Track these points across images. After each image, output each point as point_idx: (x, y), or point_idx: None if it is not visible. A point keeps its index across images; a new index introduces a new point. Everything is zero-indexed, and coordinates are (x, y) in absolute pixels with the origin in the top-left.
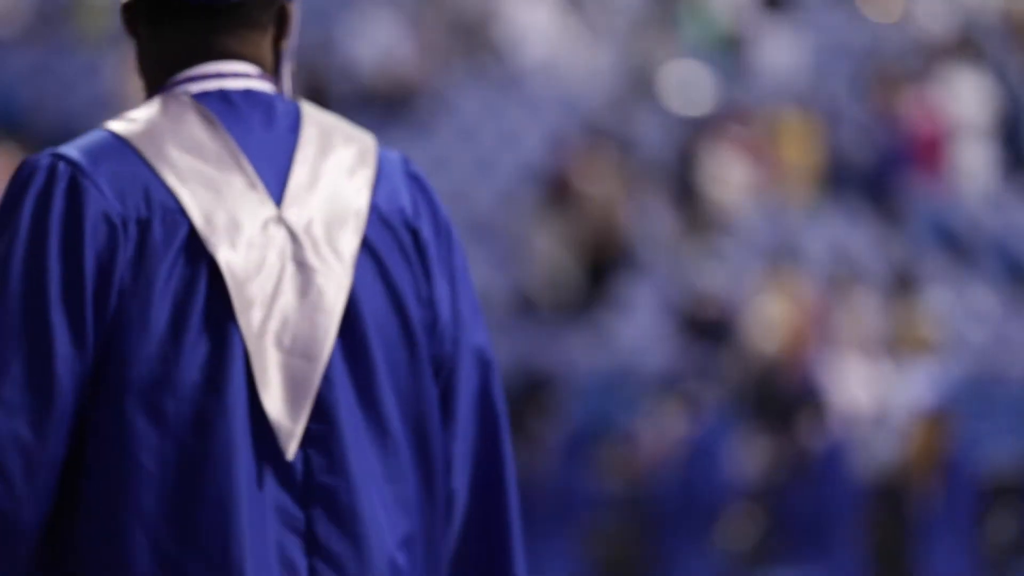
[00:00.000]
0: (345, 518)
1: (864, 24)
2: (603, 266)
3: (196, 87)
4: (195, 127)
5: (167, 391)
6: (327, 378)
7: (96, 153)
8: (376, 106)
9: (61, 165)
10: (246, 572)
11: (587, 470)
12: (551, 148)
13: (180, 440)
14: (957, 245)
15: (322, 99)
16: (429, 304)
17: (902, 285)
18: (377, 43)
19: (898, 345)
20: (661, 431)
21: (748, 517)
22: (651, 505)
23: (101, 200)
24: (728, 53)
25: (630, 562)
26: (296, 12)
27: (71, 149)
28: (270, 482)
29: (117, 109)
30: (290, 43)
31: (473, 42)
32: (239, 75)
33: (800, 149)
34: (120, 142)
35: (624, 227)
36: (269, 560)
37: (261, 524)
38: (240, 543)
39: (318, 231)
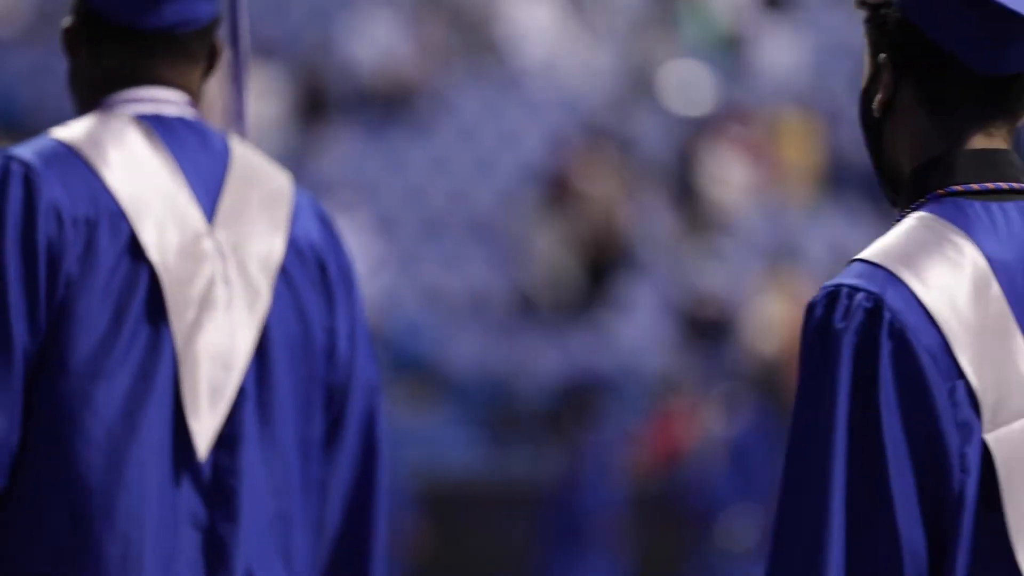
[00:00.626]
0: (240, 521)
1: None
2: (603, 266)
3: (133, 108)
4: (137, 142)
5: (101, 380)
6: (241, 389)
7: (46, 157)
8: (376, 106)
9: (14, 164)
10: (149, 560)
11: (600, 473)
12: (551, 148)
13: (108, 426)
14: None
15: (322, 99)
16: (330, 333)
17: None
18: (377, 43)
19: None
20: (690, 431)
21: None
22: (672, 506)
23: (52, 197)
24: (728, 53)
25: (654, 565)
26: (224, 49)
27: (23, 151)
28: (183, 479)
29: None
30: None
31: (473, 42)
32: (171, 102)
33: (800, 149)
34: (67, 149)
35: (624, 227)
36: (175, 551)
37: (171, 518)
38: (152, 531)
39: (242, 253)
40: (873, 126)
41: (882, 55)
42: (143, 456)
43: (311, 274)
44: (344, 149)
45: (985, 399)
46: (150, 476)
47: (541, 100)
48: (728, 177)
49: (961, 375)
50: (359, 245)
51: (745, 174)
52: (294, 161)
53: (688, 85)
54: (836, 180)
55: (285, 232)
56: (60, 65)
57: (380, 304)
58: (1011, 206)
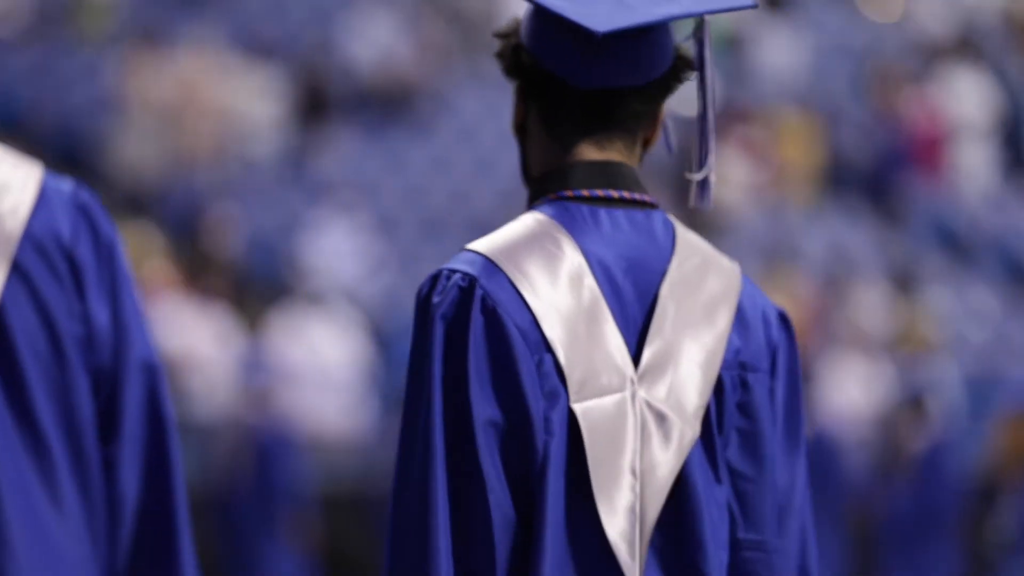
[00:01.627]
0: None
1: (864, 24)
2: None
3: None
4: None
5: None
6: None
7: None
8: (376, 106)
9: None
10: None
11: None
12: None
13: None
14: (957, 245)
15: (322, 99)
16: (84, 320)
17: (902, 285)
18: (376, 43)
19: (898, 345)
20: None
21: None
22: None
23: None
24: (728, 53)
25: None
26: None
27: None
28: None
29: (116, 109)
30: None
31: (473, 42)
32: None
33: (800, 149)
34: None
35: None
36: None
37: None
38: None
39: None
40: (519, 145)
41: (516, 83)
42: None
43: (54, 266)
44: (344, 149)
45: (572, 373)
46: None
47: None
48: (728, 177)
49: (549, 349)
50: (359, 245)
51: (745, 174)
52: (294, 161)
53: (687, 85)
54: (836, 180)
55: (20, 226)
56: (60, 65)
57: (380, 304)
58: (620, 213)
